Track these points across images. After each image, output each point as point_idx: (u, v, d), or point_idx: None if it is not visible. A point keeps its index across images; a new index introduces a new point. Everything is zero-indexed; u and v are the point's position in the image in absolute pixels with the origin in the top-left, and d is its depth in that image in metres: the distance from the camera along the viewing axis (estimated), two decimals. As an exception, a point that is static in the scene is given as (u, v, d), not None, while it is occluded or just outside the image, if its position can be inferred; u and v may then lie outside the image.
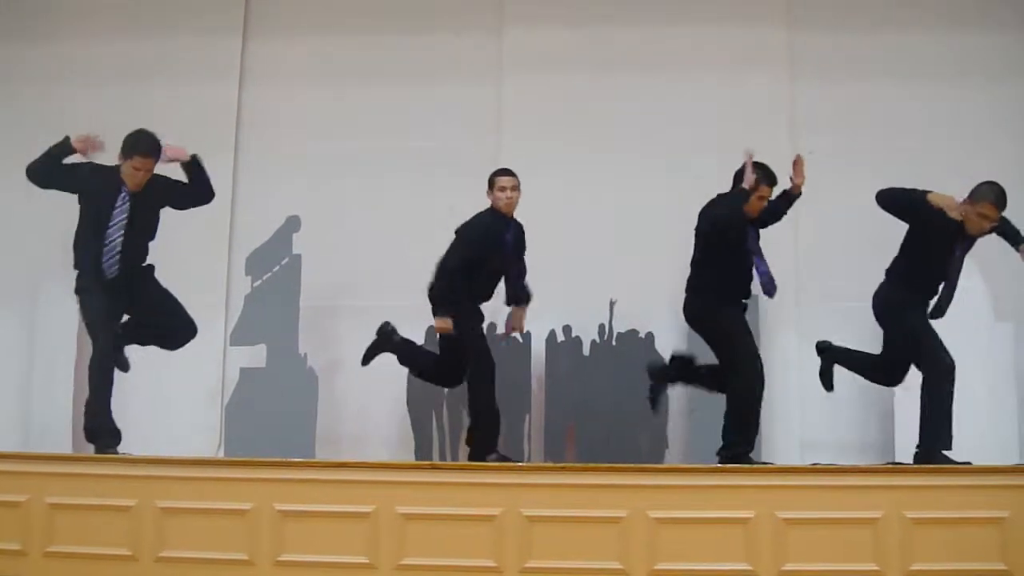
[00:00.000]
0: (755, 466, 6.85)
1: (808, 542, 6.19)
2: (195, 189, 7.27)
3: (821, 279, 9.23)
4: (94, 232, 7.03)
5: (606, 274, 9.20)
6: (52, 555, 6.40)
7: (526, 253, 7.54)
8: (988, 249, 9.09)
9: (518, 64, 10.02)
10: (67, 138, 7.00)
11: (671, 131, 9.70)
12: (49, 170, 7.01)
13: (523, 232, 7.51)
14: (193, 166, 7.23)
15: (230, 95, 10.16)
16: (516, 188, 7.38)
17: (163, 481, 6.51)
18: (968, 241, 7.06)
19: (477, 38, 10.15)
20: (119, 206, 7.02)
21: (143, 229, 7.16)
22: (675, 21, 9.98)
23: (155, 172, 7.11)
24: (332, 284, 9.69)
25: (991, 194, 6.94)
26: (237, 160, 10.04)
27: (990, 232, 7.02)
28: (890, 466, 6.95)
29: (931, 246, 7.03)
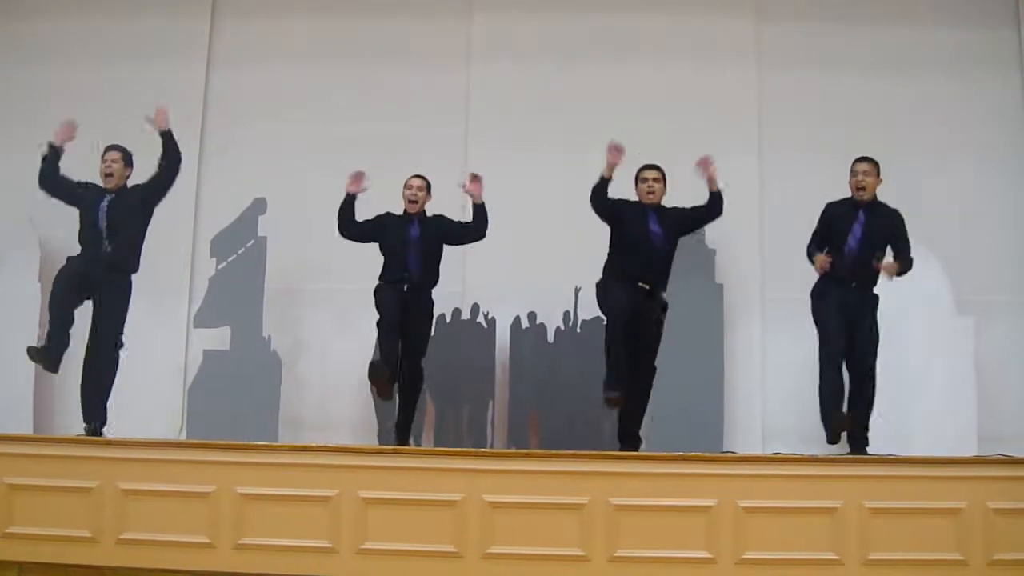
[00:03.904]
0: (717, 454, 6.90)
1: (768, 530, 6.25)
2: (167, 166, 7.53)
3: (787, 269, 9.27)
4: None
5: (571, 261, 9.19)
6: (11, 536, 6.37)
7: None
8: (950, 244, 9.21)
9: (487, 50, 10.01)
10: (48, 143, 7.39)
11: (638, 119, 9.70)
12: (49, 178, 7.41)
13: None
14: (166, 136, 7.54)
15: (197, 76, 10.09)
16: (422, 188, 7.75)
17: (125, 463, 6.48)
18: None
19: (446, 23, 10.13)
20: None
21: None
22: (644, 9, 9.99)
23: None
24: (297, 267, 9.66)
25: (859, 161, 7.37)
26: (203, 141, 9.98)
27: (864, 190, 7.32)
28: (850, 456, 6.99)
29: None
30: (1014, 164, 9.76)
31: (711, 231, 9.27)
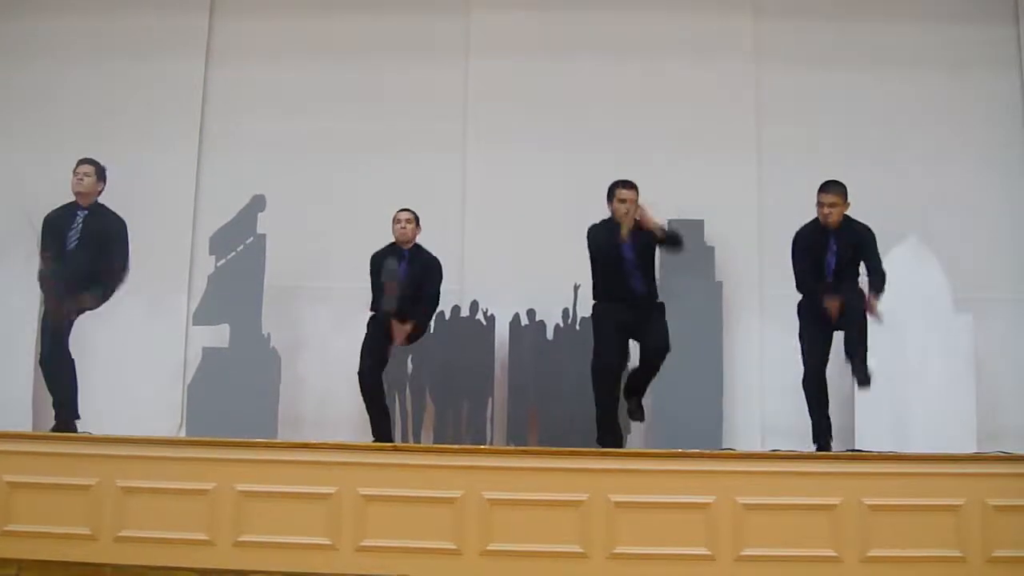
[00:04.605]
0: (716, 452, 6.90)
1: (767, 527, 6.25)
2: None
3: (786, 266, 9.29)
4: None
5: (570, 258, 9.18)
6: (10, 534, 6.37)
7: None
8: (949, 242, 9.20)
9: (485, 46, 10.01)
10: None
11: (637, 116, 9.72)
12: None
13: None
14: None
15: (196, 73, 10.08)
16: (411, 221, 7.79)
17: (124, 460, 6.48)
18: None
19: (445, 20, 10.12)
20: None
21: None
22: (642, 8, 9.99)
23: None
24: (296, 265, 9.65)
25: (828, 185, 7.29)
26: (202, 138, 9.98)
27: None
28: (849, 453, 7.01)
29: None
30: (1013, 162, 9.76)
31: (710, 229, 9.30)
